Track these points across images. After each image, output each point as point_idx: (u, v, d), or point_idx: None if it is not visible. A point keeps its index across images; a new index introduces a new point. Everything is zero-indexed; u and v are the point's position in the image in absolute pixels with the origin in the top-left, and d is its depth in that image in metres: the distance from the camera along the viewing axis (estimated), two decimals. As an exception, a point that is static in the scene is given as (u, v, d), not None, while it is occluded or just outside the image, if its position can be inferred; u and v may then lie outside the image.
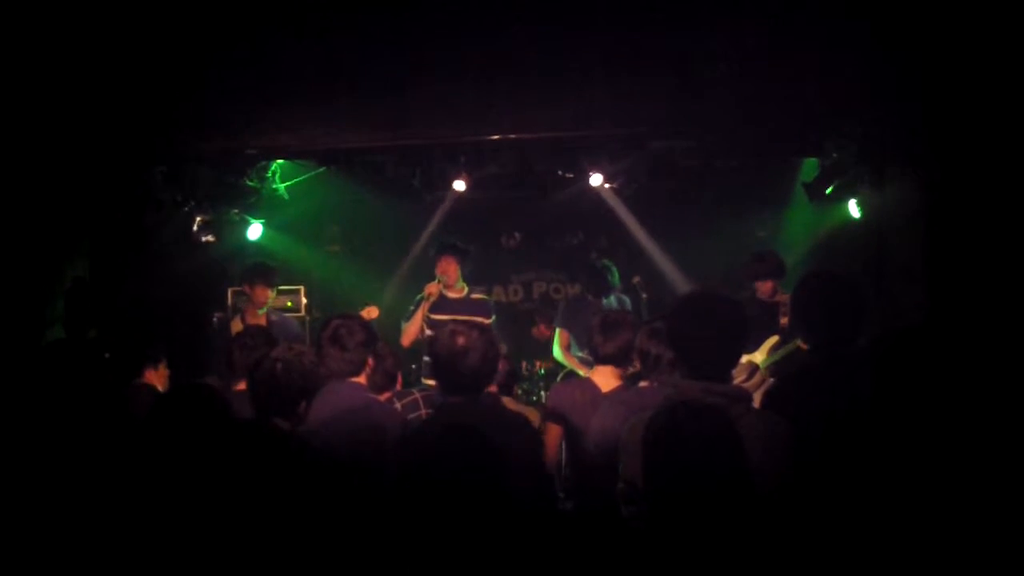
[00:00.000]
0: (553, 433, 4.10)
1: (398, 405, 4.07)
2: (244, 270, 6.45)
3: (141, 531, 2.51)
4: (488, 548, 2.24)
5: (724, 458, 2.21)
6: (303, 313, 7.54)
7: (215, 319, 7.27)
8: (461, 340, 3.20)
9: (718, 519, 2.16)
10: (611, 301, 6.63)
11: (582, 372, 5.76)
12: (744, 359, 5.78)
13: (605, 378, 3.98)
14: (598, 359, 4.08)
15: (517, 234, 8.79)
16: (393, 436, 3.37)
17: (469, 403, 3.22)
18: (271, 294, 6.34)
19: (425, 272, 6.60)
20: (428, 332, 5.84)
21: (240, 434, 2.89)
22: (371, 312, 6.06)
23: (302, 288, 7.65)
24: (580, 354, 6.28)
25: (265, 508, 2.63)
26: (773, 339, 5.82)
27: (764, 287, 6.15)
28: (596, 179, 7.26)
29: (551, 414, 4.10)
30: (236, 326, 6.07)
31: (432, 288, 6.15)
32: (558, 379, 6.32)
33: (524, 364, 7.56)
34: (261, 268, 6.41)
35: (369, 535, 2.48)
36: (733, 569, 2.16)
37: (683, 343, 2.71)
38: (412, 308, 6.30)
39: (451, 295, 6.27)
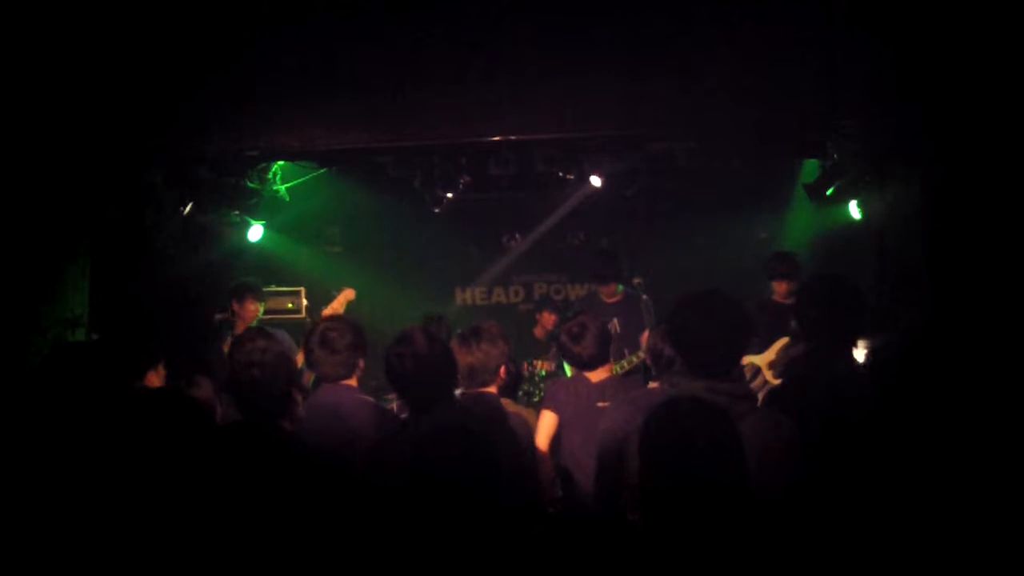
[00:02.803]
0: (547, 420, 4.14)
1: (394, 405, 4.07)
2: (231, 290, 6.43)
3: (147, 536, 2.50)
4: (475, 550, 2.24)
5: (722, 457, 2.20)
6: (304, 315, 7.54)
7: (216, 319, 7.27)
8: (408, 364, 3.14)
9: (715, 519, 2.15)
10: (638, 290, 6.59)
11: None
12: (747, 360, 5.78)
13: (595, 373, 4.09)
14: (583, 367, 4.14)
15: (518, 235, 8.79)
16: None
17: (441, 410, 3.19)
18: (260, 308, 6.34)
19: (425, 272, 6.60)
20: None
21: (245, 437, 2.89)
22: (348, 295, 6.01)
23: (303, 290, 7.65)
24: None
25: (264, 510, 2.62)
26: (783, 341, 5.81)
27: (780, 288, 6.17)
28: (596, 180, 7.25)
29: (546, 403, 4.16)
30: (227, 348, 6.05)
31: None
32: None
33: (525, 365, 7.55)
34: (247, 284, 6.42)
35: (361, 537, 2.48)
36: (731, 571, 2.15)
37: (685, 342, 2.72)
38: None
39: None
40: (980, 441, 2.43)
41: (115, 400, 3.50)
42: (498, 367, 3.68)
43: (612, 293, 6.71)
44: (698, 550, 2.13)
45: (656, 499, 2.23)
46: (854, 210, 6.64)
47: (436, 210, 7.47)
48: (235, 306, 6.35)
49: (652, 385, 3.70)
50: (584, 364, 4.14)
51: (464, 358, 3.61)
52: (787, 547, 2.23)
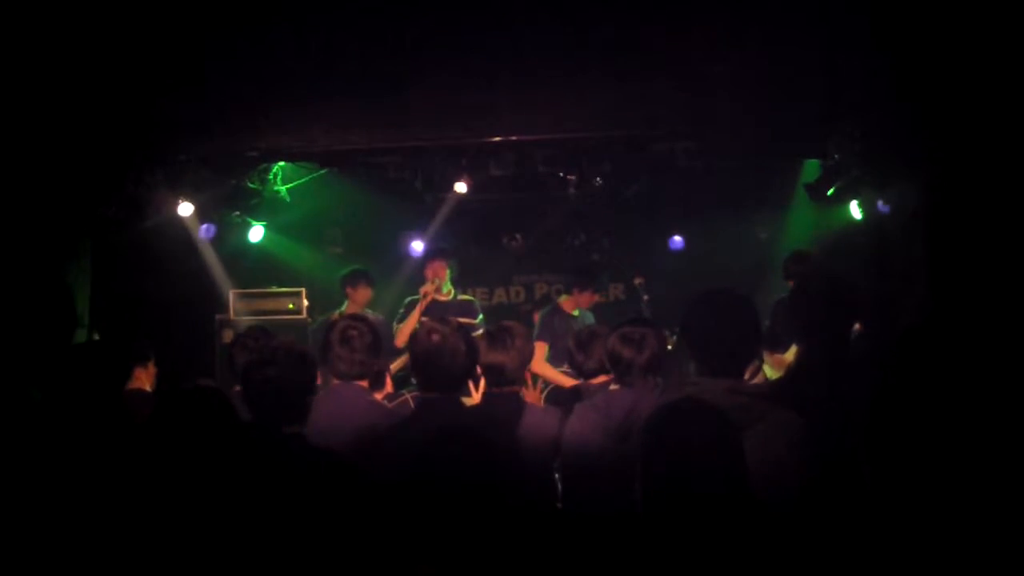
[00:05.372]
0: None
1: (389, 406, 4.07)
2: (347, 274, 6.74)
3: (145, 540, 2.50)
4: (484, 547, 2.24)
5: (720, 459, 2.19)
6: (304, 315, 7.53)
7: (216, 319, 7.28)
8: (436, 338, 3.28)
9: (714, 521, 2.15)
10: (585, 317, 6.59)
11: (567, 384, 5.73)
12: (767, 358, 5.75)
13: (596, 380, 4.07)
14: (585, 376, 4.14)
15: (519, 235, 8.79)
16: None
17: (447, 401, 3.27)
18: (371, 294, 6.68)
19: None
20: None
21: (246, 438, 2.87)
22: None
23: (303, 290, 7.64)
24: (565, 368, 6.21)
25: (271, 513, 2.62)
26: None
27: None
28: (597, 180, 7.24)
29: (553, 398, 4.15)
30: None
31: (428, 288, 6.31)
32: (543, 394, 6.29)
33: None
34: (361, 270, 6.75)
35: (372, 538, 2.48)
36: (731, 571, 2.15)
37: (700, 342, 2.69)
38: (402, 311, 6.36)
39: (439, 298, 6.41)
40: (980, 440, 2.42)
41: (103, 399, 3.50)
42: (525, 366, 3.67)
43: (585, 302, 6.68)
44: (697, 550, 2.13)
45: (657, 500, 2.24)
46: (854, 210, 6.64)
47: (437, 210, 7.51)
48: (348, 289, 6.67)
49: (613, 388, 3.66)
50: (585, 373, 4.15)
51: (495, 357, 3.55)
52: (793, 548, 2.23)
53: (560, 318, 6.52)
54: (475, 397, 3.75)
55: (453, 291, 6.58)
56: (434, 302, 6.32)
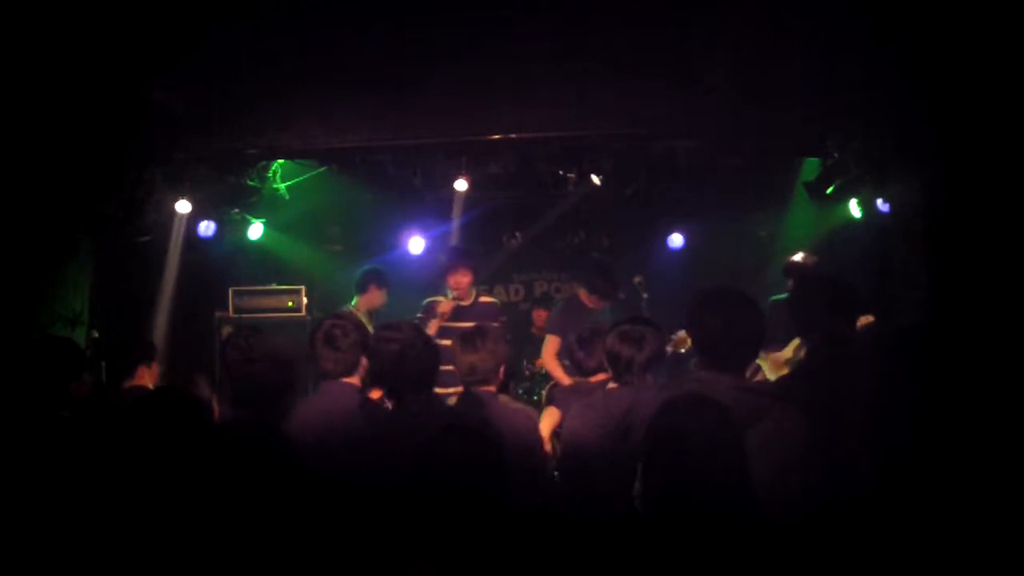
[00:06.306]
0: (551, 415, 4.17)
1: (388, 404, 4.07)
2: (367, 273, 6.56)
3: (133, 538, 2.49)
4: (476, 549, 2.24)
5: (720, 454, 2.20)
6: (304, 313, 7.53)
7: (216, 317, 7.28)
8: (395, 345, 3.39)
9: (716, 514, 2.15)
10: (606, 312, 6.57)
11: (566, 381, 5.72)
12: (764, 356, 5.76)
13: (597, 377, 4.10)
14: (585, 374, 4.16)
15: (518, 234, 8.79)
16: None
17: (419, 403, 3.36)
18: (384, 297, 6.48)
19: (424, 271, 6.62)
20: (443, 342, 5.10)
21: (226, 435, 2.87)
22: None
23: (303, 288, 7.64)
24: (567, 362, 6.19)
25: (252, 509, 2.61)
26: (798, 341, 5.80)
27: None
28: (597, 179, 7.24)
29: (552, 400, 4.17)
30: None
31: (445, 308, 6.15)
32: (548, 385, 6.27)
33: (524, 363, 7.55)
34: (377, 272, 6.57)
35: (360, 536, 2.47)
36: (734, 569, 2.15)
37: (705, 337, 2.71)
38: (420, 315, 6.27)
39: (462, 303, 6.27)
40: (982, 439, 2.43)
41: (102, 397, 3.50)
42: (499, 366, 3.71)
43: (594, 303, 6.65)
44: (699, 547, 2.13)
45: (660, 495, 2.24)
46: (854, 208, 6.64)
47: (438, 209, 7.48)
48: (372, 286, 6.48)
49: (611, 387, 3.67)
50: (585, 371, 4.17)
51: (467, 357, 3.65)
52: (796, 545, 2.23)
53: (580, 309, 6.46)
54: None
55: (475, 293, 6.41)
56: (457, 307, 6.22)
